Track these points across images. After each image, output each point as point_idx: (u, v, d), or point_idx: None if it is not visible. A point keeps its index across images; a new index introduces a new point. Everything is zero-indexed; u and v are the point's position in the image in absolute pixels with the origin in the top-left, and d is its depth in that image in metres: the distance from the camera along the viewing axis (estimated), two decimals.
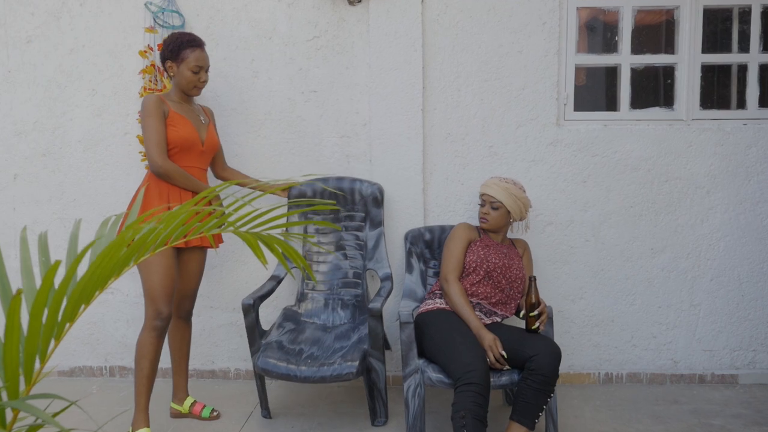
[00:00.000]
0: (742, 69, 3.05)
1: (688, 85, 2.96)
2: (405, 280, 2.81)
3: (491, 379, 2.20)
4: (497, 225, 2.57)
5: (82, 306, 1.06)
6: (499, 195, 2.52)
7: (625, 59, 2.98)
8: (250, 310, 2.54)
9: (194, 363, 3.08)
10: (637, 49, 3.01)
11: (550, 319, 2.47)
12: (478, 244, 2.55)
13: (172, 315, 2.48)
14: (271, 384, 3.01)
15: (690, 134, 2.95)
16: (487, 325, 2.42)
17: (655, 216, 2.98)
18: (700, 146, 2.95)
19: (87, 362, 3.21)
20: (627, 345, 3.05)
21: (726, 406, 2.78)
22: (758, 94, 2.99)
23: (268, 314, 3.01)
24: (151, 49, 2.93)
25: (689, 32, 2.94)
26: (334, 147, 3.02)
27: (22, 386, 0.97)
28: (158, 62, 2.88)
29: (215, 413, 2.71)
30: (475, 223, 2.77)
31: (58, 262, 0.89)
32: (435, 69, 2.95)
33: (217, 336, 3.15)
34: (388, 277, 2.79)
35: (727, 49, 3.23)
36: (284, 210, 2.90)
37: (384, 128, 2.96)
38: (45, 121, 3.08)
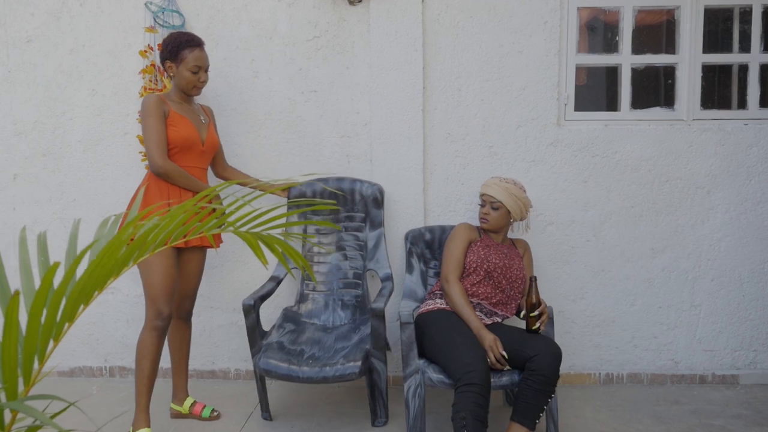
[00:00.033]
0: (743, 69, 3.05)
1: (688, 85, 2.96)
2: (405, 281, 2.80)
3: (492, 380, 2.20)
4: (497, 225, 2.57)
5: (81, 306, 1.06)
6: (499, 195, 2.52)
7: (626, 59, 2.98)
8: (251, 310, 2.53)
9: (194, 363, 3.08)
10: (637, 49, 3.00)
11: (550, 320, 2.47)
12: (478, 244, 2.55)
13: (172, 315, 2.48)
14: (271, 384, 3.01)
15: (691, 134, 2.94)
16: (487, 326, 2.41)
17: (656, 216, 2.98)
18: (700, 146, 2.94)
19: (87, 362, 3.21)
20: (628, 345, 3.05)
21: (727, 406, 2.78)
22: (759, 94, 2.98)
23: (268, 315, 3.01)
24: (152, 48, 2.92)
25: (690, 32, 2.94)
26: (334, 147, 3.02)
27: (20, 387, 0.97)
28: (158, 62, 2.87)
29: (215, 413, 2.70)
30: (476, 223, 2.77)
31: (57, 264, 0.89)
32: (435, 69, 2.94)
33: (217, 336, 3.15)
34: (388, 278, 2.79)
35: (727, 49, 3.22)
36: (284, 210, 2.89)
37: (384, 128, 2.95)
38: (45, 121, 3.08)
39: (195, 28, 2.96)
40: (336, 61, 2.97)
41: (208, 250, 2.85)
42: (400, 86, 2.92)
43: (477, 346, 2.25)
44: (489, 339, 2.26)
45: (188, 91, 2.51)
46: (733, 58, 3.11)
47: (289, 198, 2.92)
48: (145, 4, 2.92)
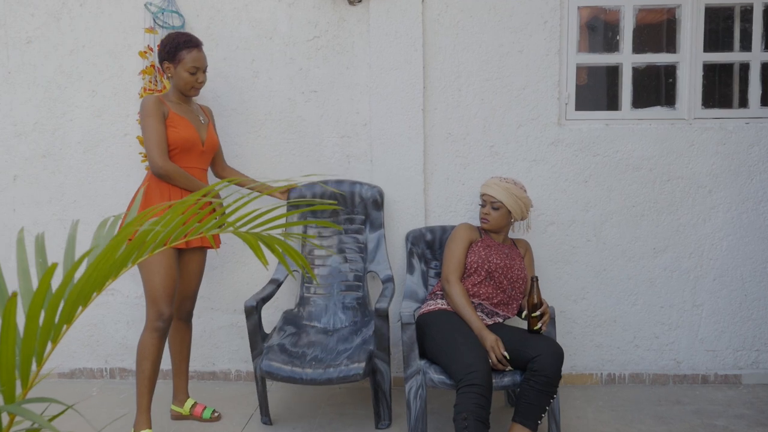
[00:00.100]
0: (744, 68, 3.04)
1: (689, 84, 2.95)
2: (406, 281, 2.79)
3: (493, 380, 2.19)
4: (498, 225, 2.56)
5: (80, 308, 1.05)
6: (499, 195, 2.51)
7: (627, 58, 2.97)
8: (253, 312, 2.52)
9: (195, 365, 3.07)
10: (638, 48, 3.00)
11: (552, 320, 2.46)
12: (479, 244, 2.54)
13: (173, 316, 2.47)
14: (271, 386, 3.00)
15: (692, 133, 2.93)
16: (488, 326, 2.40)
17: (657, 216, 2.97)
18: (702, 145, 2.94)
19: (87, 364, 3.21)
20: (629, 345, 3.04)
21: (729, 406, 2.77)
22: (760, 92, 2.98)
23: (268, 316, 3.00)
24: (151, 49, 2.92)
25: (691, 31, 2.93)
26: (334, 147, 3.01)
27: (18, 389, 0.96)
28: (158, 63, 2.87)
29: (216, 414, 2.70)
30: (477, 223, 2.76)
31: (54, 265, 0.88)
32: (435, 69, 2.94)
33: (217, 337, 3.14)
34: (389, 279, 2.78)
35: (728, 47, 3.21)
36: (284, 210, 2.89)
37: (384, 128, 2.95)
38: (45, 122, 3.08)
39: (195, 28, 2.96)
40: (336, 61, 2.97)
41: (209, 251, 2.84)
42: (400, 86, 2.92)
43: (478, 347, 2.24)
44: (490, 339, 2.26)
45: (186, 92, 2.51)
46: (734, 56, 3.10)
47: (288, 199, 2.91)
48: (145, 4, 2.92)
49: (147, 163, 2.44)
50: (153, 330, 2.37)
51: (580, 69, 3.04)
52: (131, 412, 2.61)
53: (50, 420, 0.88)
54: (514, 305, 2.55)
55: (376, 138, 2.95)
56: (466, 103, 2.95)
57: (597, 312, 3.03)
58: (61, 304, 0.99)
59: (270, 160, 3.03)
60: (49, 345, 1.01)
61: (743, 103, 3.04)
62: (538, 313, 2.32)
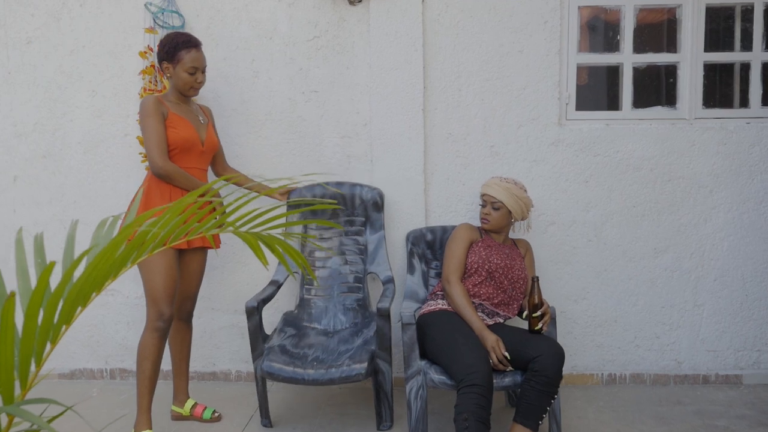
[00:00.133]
0: (745, 67, 3.03)
1: (690, 83, 2.95)
2: (407, 281, 2.79)
3: (494, 381, 2.19)
4: (498, 225, 2.55)
5: (79, 308, 1.05)
6: (499, 195, 2.51)
7: (627, 58, 2.96)
8: (254, 312, 2.52)
9: (195, 365, 3.07)
10: (639, 48, 2.99)
11: (552, 320, 2.45)
12: (479, 244, 2.53)
13: (173, 316, 2.47)
14: (271, 387, 3.00)
15: (693, 133, 2.93)
16: (489, 326, 2.40)
17: (658, 216, 2.96)
18: (702, 145, 2.93)
19: (87, 365, 3.20)
20: (630, 345, 3.03)
21: (730, 406, 2.76)
22: (761, 92, 2.97)
23: (268, 317, 2.99)
24: (151, 49, 2.92)
25: (691, 31, 2.93)
26: (335, 147, 3.01)
27: (17, 390, 0.96)
28: (157, 63, 2.87)
29: (216, 414, 2.69)
30: (477, 223, 2.76)
31: (52, 263, 0.88)
32: (436, 69, 2.93)
33: (218, 338, 3.14)
34: (390, 280, 2.77)
35: (729, 47, 3.21)
36: (284, 210, 2.88)
37: (385, 128, 2.94)
38: (45, 123, 3.07)
39: (195, 28, 2.95)
40: (336, 61, 2.96)
41: (209, 251, 2.84)
42: (401, 86, 2.91)
43: (479, 347, 2.24)
44: (491, 340, 2.25)
45: (185, 92, 2.50)
46: (734, 56, 3.10)
47: (289, 200, 2.91)
48: (145, 4, 2.92)
49: (147, 163, 2.43)
50: (153, 330, 2.37)
51: (580, 69, 3.04)
52: (131, 412, 2.61)
53: (49, 421, 0.88)
54: (515, 305, 2.55)
55: (377, 138, 2.95)
56: (466, 103, 2.94)
57: (598, 312, 3.02)
58: (60, 304, 0.99)
59: (270, 161, 3.02)
60: (48, 345, 1.00)
61: (744, 102, 3.04)
62: (538, 313, 2.31)
